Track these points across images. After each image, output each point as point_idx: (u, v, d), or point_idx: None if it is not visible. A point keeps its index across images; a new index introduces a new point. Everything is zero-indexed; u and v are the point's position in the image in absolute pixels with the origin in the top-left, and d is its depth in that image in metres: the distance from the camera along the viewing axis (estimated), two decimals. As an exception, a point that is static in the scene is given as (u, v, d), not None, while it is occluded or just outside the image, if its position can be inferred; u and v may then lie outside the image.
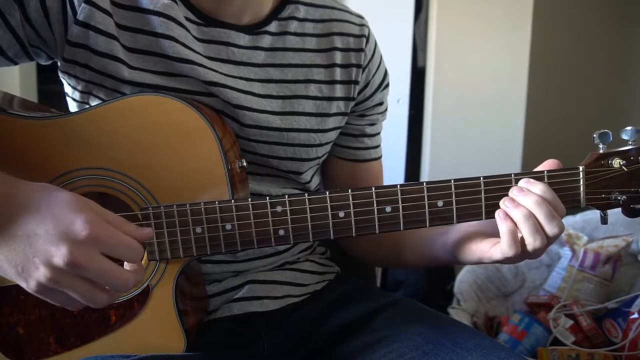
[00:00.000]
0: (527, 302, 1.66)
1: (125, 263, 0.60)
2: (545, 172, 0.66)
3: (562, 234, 1.70)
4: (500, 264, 1.71)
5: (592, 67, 2.65)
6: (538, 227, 0.62)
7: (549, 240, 0.63)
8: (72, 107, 0.78)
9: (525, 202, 0.63)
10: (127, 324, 0.69)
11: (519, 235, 0.64)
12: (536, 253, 0.64)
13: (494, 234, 0.66)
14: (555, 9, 2.48)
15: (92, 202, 0.57)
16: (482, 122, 2.09)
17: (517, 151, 2.10)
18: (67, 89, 0.77)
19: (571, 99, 2.64)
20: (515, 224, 0.63)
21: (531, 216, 0.63)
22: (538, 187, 0.64)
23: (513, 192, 0.64)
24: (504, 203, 0.64)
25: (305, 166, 0.82)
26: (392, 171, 2.06)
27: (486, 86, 2.07)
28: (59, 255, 0.52)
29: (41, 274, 0.53)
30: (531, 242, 0.63)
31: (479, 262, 0.70)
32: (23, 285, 0.55)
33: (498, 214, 0.64)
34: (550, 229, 0.63)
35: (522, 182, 0.65)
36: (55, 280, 0.53)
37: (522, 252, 0.64)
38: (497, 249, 0.66)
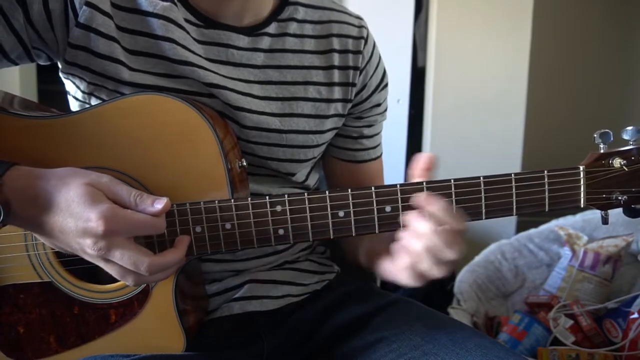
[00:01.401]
0: (527, 302, 1.66)
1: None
2: (545, 171, 0.66)
3: (562, 234, 1.71)
4: (500, 264, 1.73)
5: (592, 67, 2.65)
6: (437, 259, 0.61)
7: (449, 266, 0.63)
8: (74, 106, 0.78)
9: (423, 233, 0.62)
10: (127, 324, 0.69)
11: (418, 268, 0.63)
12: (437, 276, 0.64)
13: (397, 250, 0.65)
14: (555, 9, 2.48)
15: (105, 184, 0.61)
16: (482, 122, 2.09)
17: (517, 151, 2.10)
18: (70, 88, 0.77)
19: (571, 99, 2.64)
20: (414, 258, 0.62)
21: (430, 250, 0.61)
22: (436, 208, 0.62)
23: (411, 223, 0.63)
24: (403, 235, 0.64)
25: (300, 167, 0.82)
26: (392, 171, 2.06)
27: (486, 86, 2.07)
28: (87, 246, 0.59)
29: (87, 256, 0.61)
30: (431, 273, 0.62)
31: (382, 279, 0.69)
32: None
33: (396, 248, 0.64)
34: (450, 255, 0.61)
35: (422, 200, 0.63)
36: (95, 260, 0.61)
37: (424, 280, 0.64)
38: (398, 277, 0.65)
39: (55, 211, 0.59)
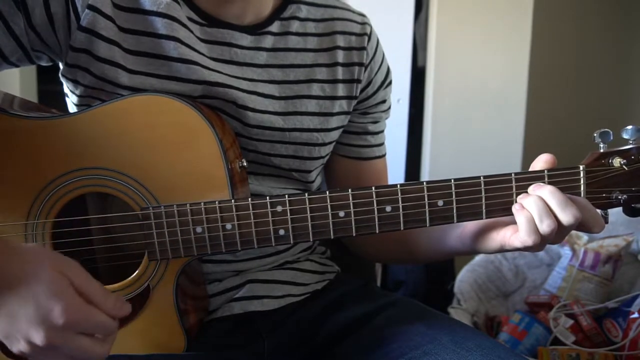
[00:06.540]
0: (527, 301, 1.66)
1: None
2: (545, 171, 0.66)
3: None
4: (500, 263, 1.72)
5: (592, 67, 2.65)
6: (547, 211, 0.63)
7: (561, 226, 0.64)
8: (72, 109, 0.78)
9: (538, 192, 0.65)
10: (128, 324, 0.69)
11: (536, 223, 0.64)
12: (549, 239, 0.65)
13: (513, 221, 0.67)
14: (555, 9, 2.48)
15: (73, 272, 0.56)
16: (482, 122, 2.09)
17: (517, 151, 2.10)
18: (69, 90, 0.77)
19: (571, 99, 2.64)
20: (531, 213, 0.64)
21: (541, 200, 0.63)
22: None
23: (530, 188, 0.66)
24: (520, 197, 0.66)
25: (310, 165, 0.82)
26: (392, 171, 2.04)
27: (486, 86, 2.07)
28: (38, 337, 0.54)
29: (22, 346, 0.56)
30: (540, 226, 0.63)
31: (500, 251, 0.70)
32: (8, 346, 0.57)
33: (514, 207, 0.65)
34: (561, 214, 0.63)
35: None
36: (34, 353, 0.56)
37: (540, 240, 0.64)
38: (516, 237, 0.66)
39: (13, 291, 0.54)
